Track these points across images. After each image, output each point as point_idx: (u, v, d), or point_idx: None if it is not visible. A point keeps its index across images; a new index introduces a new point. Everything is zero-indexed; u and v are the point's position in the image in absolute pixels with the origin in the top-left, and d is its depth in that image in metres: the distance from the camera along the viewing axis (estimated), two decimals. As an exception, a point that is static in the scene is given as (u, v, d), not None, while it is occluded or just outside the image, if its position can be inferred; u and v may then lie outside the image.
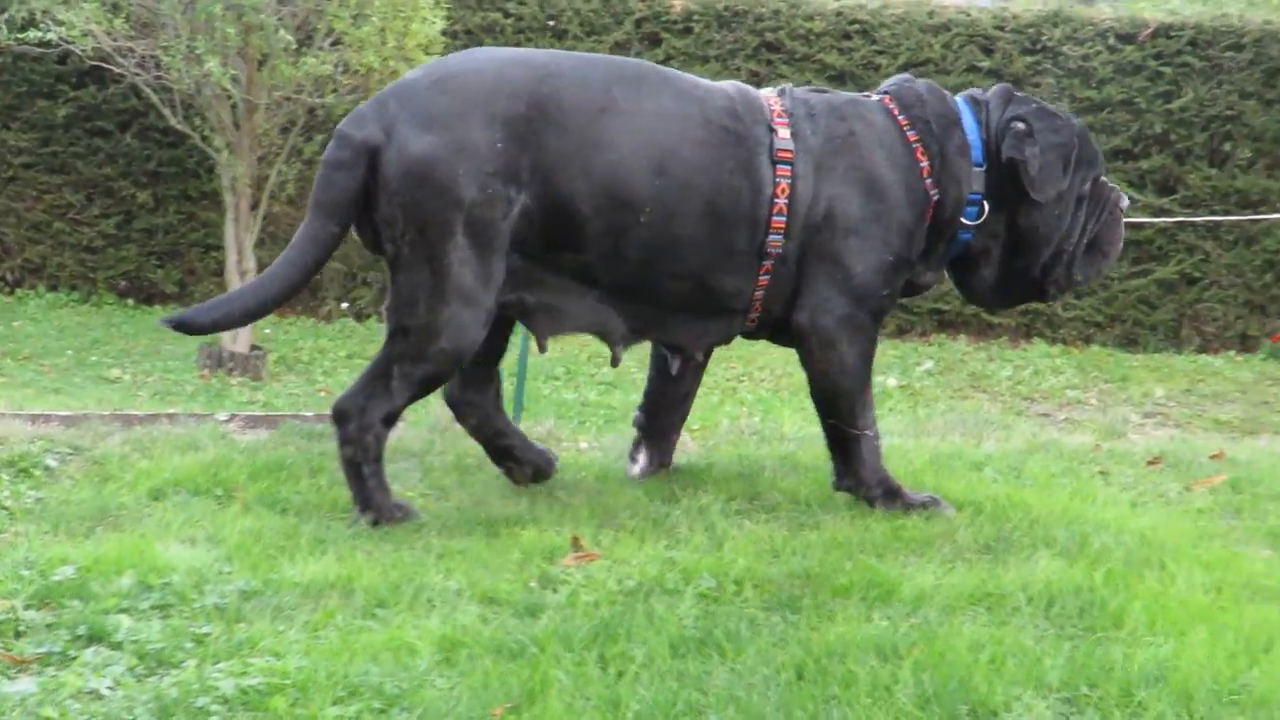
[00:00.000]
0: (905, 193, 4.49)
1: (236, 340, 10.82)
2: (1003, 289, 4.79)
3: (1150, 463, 5.43)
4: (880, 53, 13.27)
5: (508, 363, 10.94)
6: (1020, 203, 4.61)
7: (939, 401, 10.36)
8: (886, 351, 12.31)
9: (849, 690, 3.00)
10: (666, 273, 4.37)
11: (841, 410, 4.57)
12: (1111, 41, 13.22)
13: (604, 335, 4.53)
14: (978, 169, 4.59)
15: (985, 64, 13.21)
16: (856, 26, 13.30)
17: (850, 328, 4.47)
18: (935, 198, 4.53)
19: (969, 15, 13.35)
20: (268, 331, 12.13)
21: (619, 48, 13.21)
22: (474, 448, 4.92)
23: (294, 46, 10.38)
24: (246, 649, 3.18)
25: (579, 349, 11.93)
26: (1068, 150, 4.59)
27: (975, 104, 4.67)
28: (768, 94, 4.50)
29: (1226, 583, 3.83)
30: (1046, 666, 3.17)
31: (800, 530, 4.28)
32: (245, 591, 3.55)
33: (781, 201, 4.36)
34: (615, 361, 4.61)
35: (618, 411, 10.32)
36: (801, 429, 5.96)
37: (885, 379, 10.99)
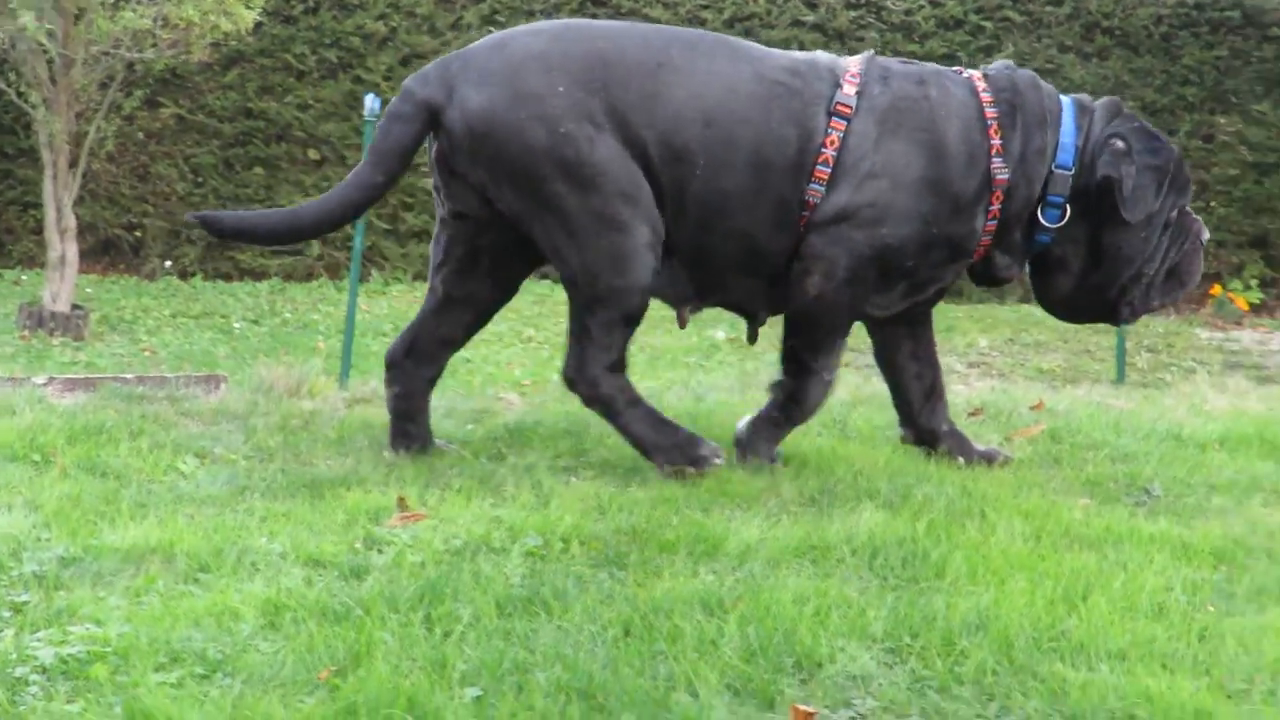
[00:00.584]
0: (969, 167, 4.44)
1: (57, 300, 10.52)
2: (1076, 303, 4.75)
3: (971, 414, 5.56)
4: (705, 7, 13.30)
5: (335, 319, 10.96)
6: (1107, 219, 4.56)
7: (767, 354, 10.47)
8: (716, 304, 12.40)
9: (675, 645, 3.01)
10: (719, 230, 4.42)
11: (809, 340, 4.55)
12: (934, -5, 13.42)
13: (672, 298, 4.60)
14: (1064, 171, 4.54)
15: (810, 18, 13.32)
16: (683, -18, 13.32)
17: (857, 273, 4.44)
18: (1002, 179, 4.47)
19: (793, -30, 13.44)
20: (89, 291, 11.83)
21: (444, 2, 13.11)
22: (298, 409, 4.85)
23: (111, 0, 10.10)
24: (66, 617, 3.09)
25: (408, 305, 11.83)
26: (1163, 174, 4.55)
27: (1081, 110, 4.61)
28: (851, 59, 4.54)
29: (1045, 531, 3.91)
30: (870, 617, 3.20)
31: (627, 487, 4.29)
32: (64, 558, 3.46)
33: (829, 153, 4.37)
34: (682, 324, 4.69)
35: (449, 366, 10.25)
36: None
37: (714, 332, 11.05)
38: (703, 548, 3.68)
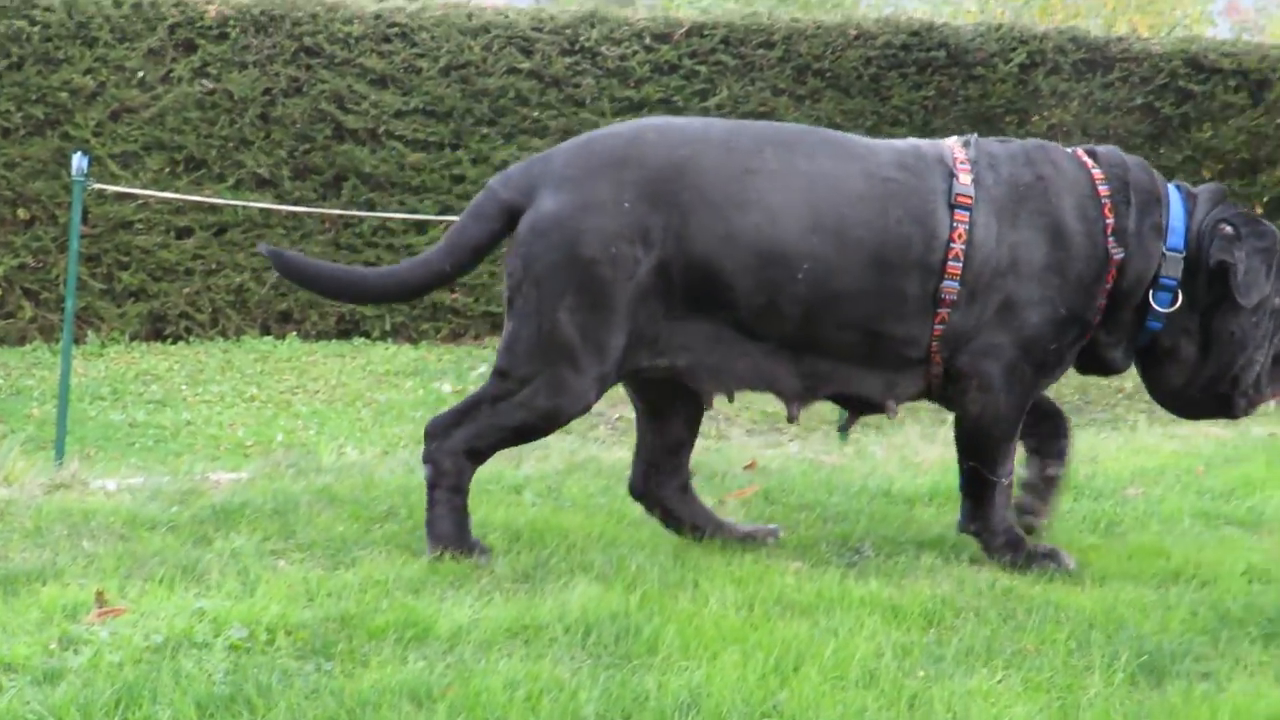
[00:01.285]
0: (1088, 245, 4.40)
1: None
2: (1190, 395, 4.62)
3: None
4: (420, 55, 13.21)
5: (50, 383, 10.49)
6: (1218, 306, 4.49)
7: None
8: (442, 356, 12.28)
9: (382, 743, 2.93)
10: (833, 323, 4.32)
11: (986, 456, 4.49)
12: (648, 41, 13.55)
13: (776, 391, 4.45)
14: (1175, 254, 4.46)
15: (525, 65, 13.33)
16: (396, 29, 13.20)
17: (1012, 376, 4.40)
18: (1118, 257, 4.42)
19: (507, 17, 13.46)
20: None
21: (153, 55, 12.72)
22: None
23: None
24: None
25: (126, 366, 11.44)
26: (1271, 257, 4.49)
27: (1187, 194, 4.58)
28: (952, 143, 4.47)
29: (758, 599, 3.92)
30: (582, 700, 3.16)
31: (336, 569, 4.17)
32: None
33: (958, 247, 4.29)
34: (792, 419, 4.51)
35: (167, 431, 9.95)
36: (340, 459, 5.86)
37: (440, 385, 10.96)
38: (413, 632, 3.59)
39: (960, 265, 4.29)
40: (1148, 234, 4.42)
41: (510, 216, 4.32)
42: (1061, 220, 4.36)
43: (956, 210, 4.29)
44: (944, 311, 4.33)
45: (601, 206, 4.19)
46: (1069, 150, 4.56)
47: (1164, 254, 4.43)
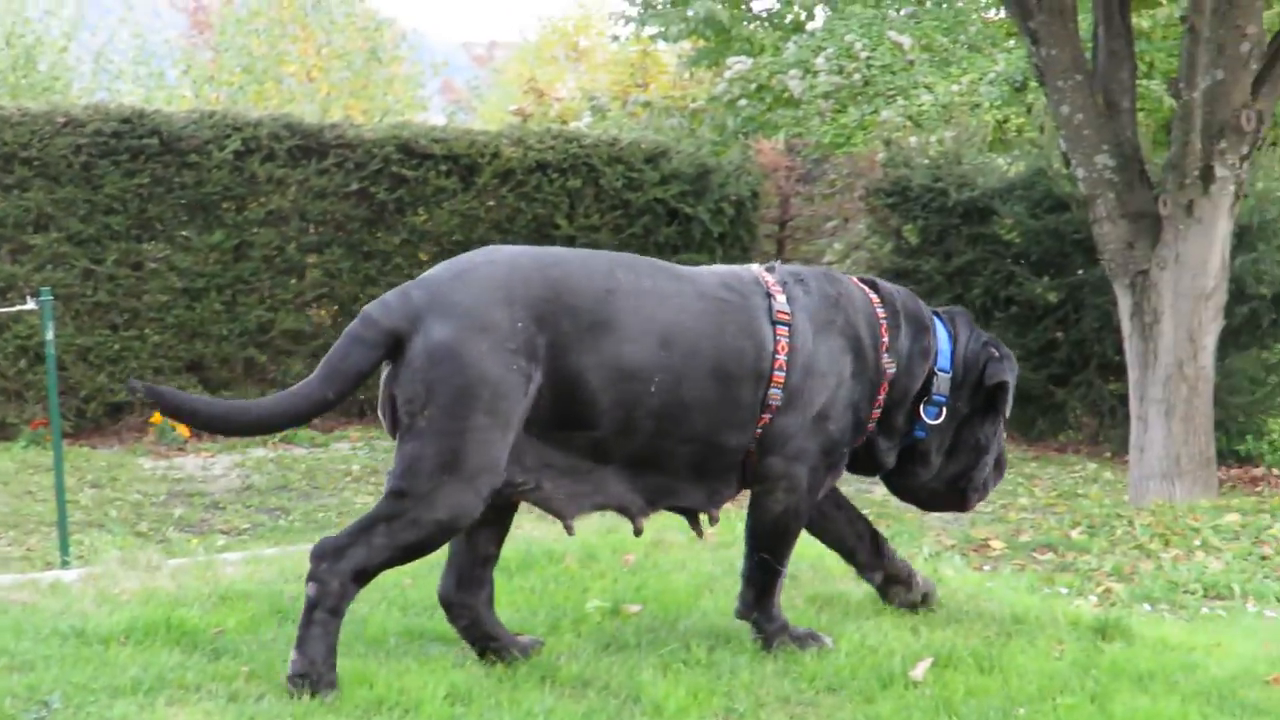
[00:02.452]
0: (875, 360, 4.85)
1: None
2: (933, 489, 5.18)
3: None
4: None
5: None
6: (971, 418, 5.11)
7: None
8: None
9: None
10: (678, 437, 4.55)
11: (780, 549, 4.83)
12: None
13: (624, 510, 4.62)
14: (944, 374, 5.01)
15: None
16: None
17: (814, 477, 4.78)
18: (890, 373, 4.88)
19: None
20: None
21: None
22: None
23: None
24: None
25: None
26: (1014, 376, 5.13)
27: (946, 319, 5.13)
28: (757, 269, 4.86)
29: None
30: None
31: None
32: None
33: (782, 358, 4.63)
34: (638, 532, 4.71)
35: None
36: None
37: None
38: None
39: (784, 374, 4.65)
40: (916, 355, 4.96)
41: (393, 343, 4.33)
42: (860, 335, 4.83)
43: (778, 325, 4.66)
44: (766, 417, 4.65)
45: (498, 327, 4.30)
46: (851, 278, 5.02)
47: (935, 373, 5.00)
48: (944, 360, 5.05)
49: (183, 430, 13.26)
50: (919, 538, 9.15)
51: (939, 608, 5.21)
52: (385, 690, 4.13)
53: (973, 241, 15.03)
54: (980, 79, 18.59)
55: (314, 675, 4.20)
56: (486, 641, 4.60)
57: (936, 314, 5.16)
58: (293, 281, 14.75)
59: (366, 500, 11.41)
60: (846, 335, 4.80)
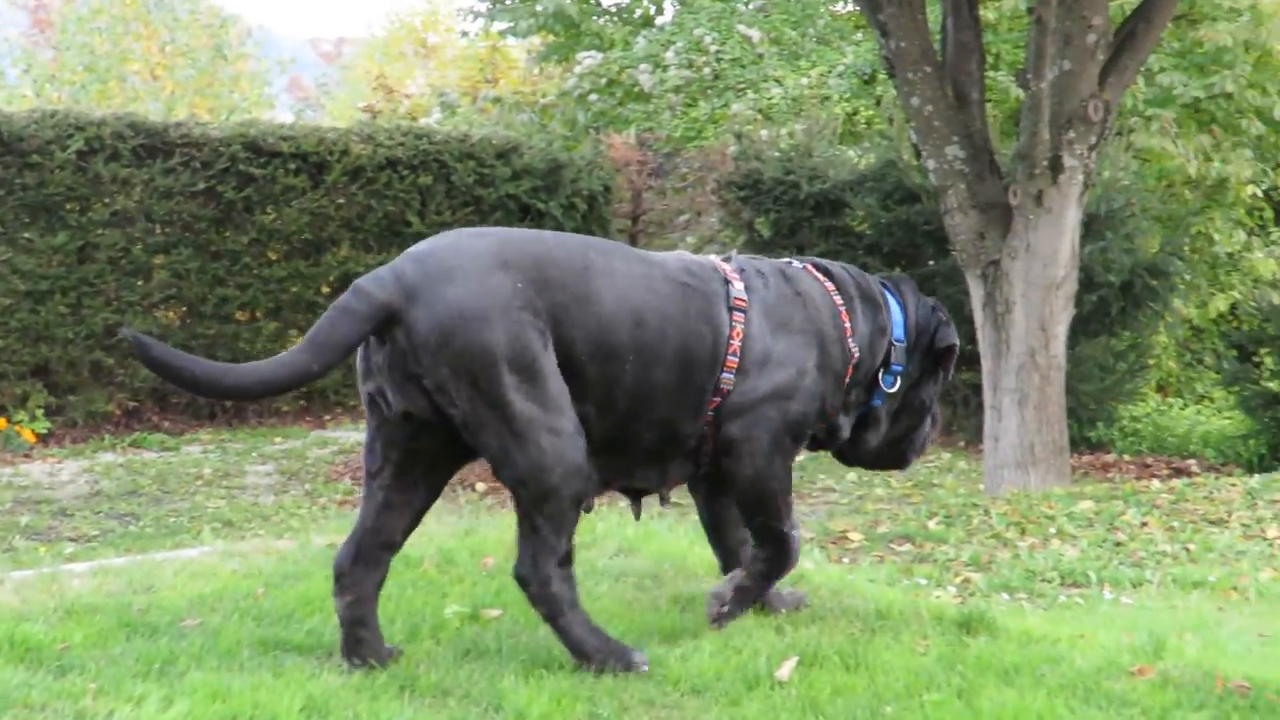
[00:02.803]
0: (840, 351, 4.94)
1: None
2: (879, 451, 5.31)
3: None
4: None
5: None
6: (924, 379, 5.26)
7: None
8: None
9: None
10: (645, 419, 4.60)
11: (770, 507, 4.85)
12: None
13: None
14: (900, 344, 5.14)
15: None
16: None
17: (778, 443, 4.80)
18: (855, 356, 4.99)
19: None
20: None
21: None
22: None
23: None
24: None
25: None
26: None
27: (894, 289, 5.22)
28: (714, 258, 4.91)
29: None
30: None
31: None
32: None
33: (736, 343, 4.70)
34: (589, 509, 4.67)
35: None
36: None
37: None
38: None
39: (736, 359, 4.71)
40: (875, 334, 5.08)
41: (384, 318, 4.25)
42: (823, 330, 4.92)
43: (734, 312, 4.72)
44: (717, 400, 4.71)
45: (500, 288, 4.28)
46: (800, 266, 5.07)
47: (892, 344, 5.12)
48: (898, 331, 5.18)
49: (28, 435, 12.90)
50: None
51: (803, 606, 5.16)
52: (240, 704, 3.96)
53: (825, 234, 15.12)
54: (829, 72, 18.73)
55: (611, 652, 4.39)
56: (358, 628, 4.44)
57: (884, 285, 5.27)
58: (139, 283, 14.50)
59: (219, 505, 11.18)
60: (807, 331, 4.89)
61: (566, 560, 4.42)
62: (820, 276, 5.06)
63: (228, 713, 3.92)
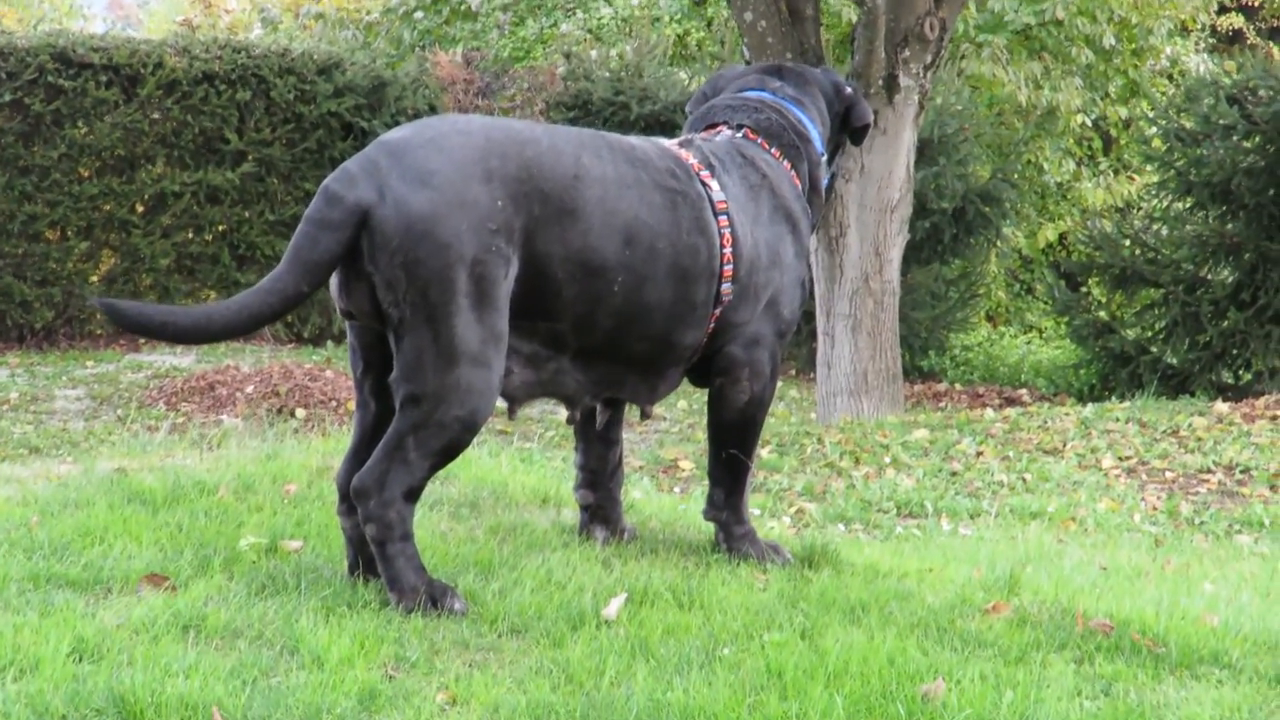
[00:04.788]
0: (805, 222, 4.74)
1: None
2: None
3: None
4: None
5: None
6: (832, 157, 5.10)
7: None
8: None
9: None
10: (636, 335, 4.35)
11: (748, 440, 4.70)
12: None
13: (566, 399, 4.44)
14: (822, 156, 4.91)
15: None
16: None
17: (775, 360, 4.67)
18: (814, 220, 4.87)
19: None
20: None
21: None
22: None
23: None
24: None
25: None
26: None
27: (794, 99, 4.90)
28: (672, 145, 4.57)
29: None
30: None
31: None
32: None
33: (728, 251, 4.43)
34: (571, 420, 4.66)
35: None
36: None
37: None
38: None
39: (732, 268, 4.44)
40: (814, 174, 4.85)
41: (362, 218, 3.92)
42: (791, 210, 4.67)
43: (719, 217, 4.44)
44: (718, 312, 4.46)
45: (477, 204, 3.96)
46: (739, 134, 4.75)
47: (821, 164, 4.90)
48: (819, 145, 4.94)
49: None
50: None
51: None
52: (0, 648, 3.50)
53: (657, 156, 14.85)
54: (661, -8, 18.37)
55: (428, 593, 3.99)
56: (366, 546, 4.14)
57: (788, 98, 4.95)
58: (-59, 199, 13.77)
59: (26, 430, 10.66)
60: (779, 217, 4.66)
61: (415, 495, 4.07)
62: (765, 143, 4.79)
63: (-15, 658, 3.47)
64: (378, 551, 4.04)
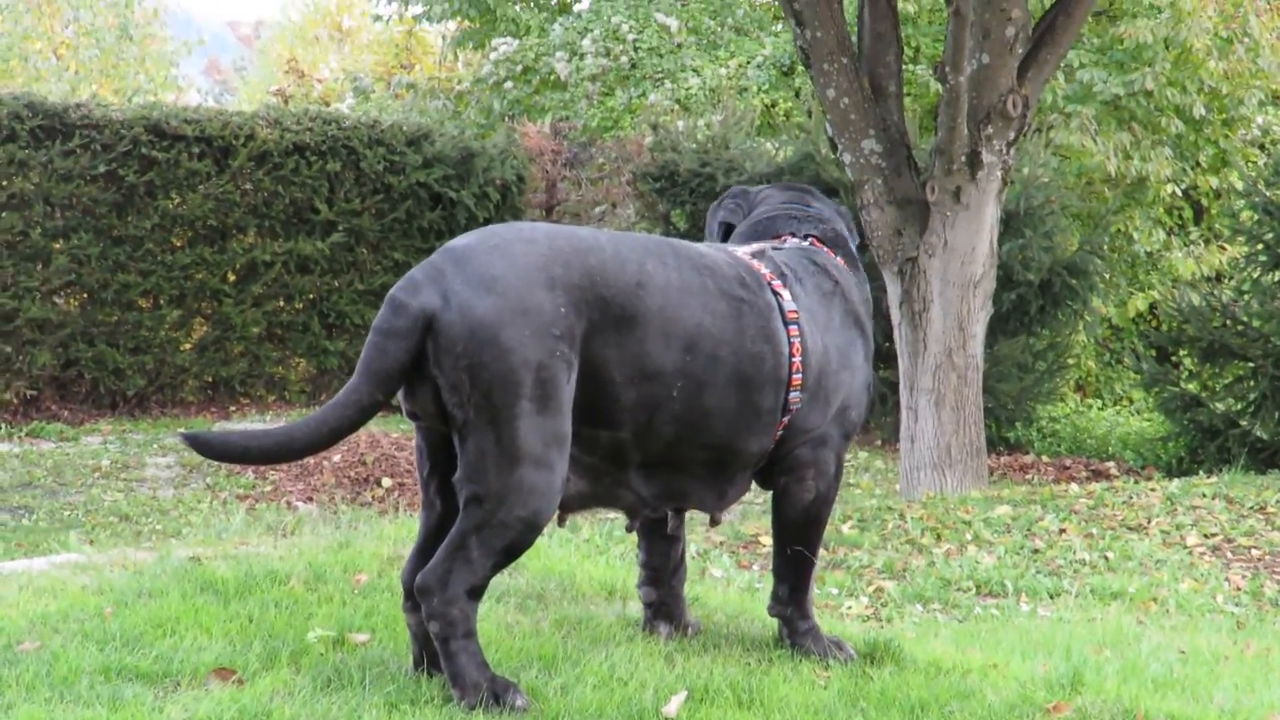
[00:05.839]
0: (871, 326, 4.82)
1: None
2: None
3: None
4: None
5: None
6: None
7: None
8: None
9: None
10: (697, 443, 4.36)
11: (813, 538, 4.70)
12: None
13: (627, 510, 4.47)
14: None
15: None
16: None
17: (840, 461, 4.70)
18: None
19: None
20: None
21: None
22: None
23: None
24: None
25: None
26: None
27: (840, 220, 5.05)
28: (744, 257, 4.58)
29: None
30: None
31: None
32: None
33: (797, 360, 4.46)
34: (631, 528, 4.71)
35: None
36: None
37: None
38: None
39: (801, 376, 4.47)
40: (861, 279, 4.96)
41: (427, 323, 3.99)
42: (860, 317, 4.78)
43: (789, 326, 4.47)
44: (786, 420, 4.49)
45: (540, 310, 4.01)
46: (808, 243, 4.86)
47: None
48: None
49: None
50: (687, 535, 8.81)
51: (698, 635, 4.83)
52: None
53: (742, 228, 14.85)
54: (748, 62, 18.46)
55: (491, 690, 4.02)
56: (430, 643, 4.21)
57: (836, 210, 5.14)
58: (38, 268, 14.17)
59: (116, 498, 10.80)
60: (850, 322, 4.75)
61: (478, 593, 4.10)
62: (831, 252, 4.90)
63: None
64: (441, 648, 4.07)
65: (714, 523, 4.73)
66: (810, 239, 4.89)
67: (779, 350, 4.44)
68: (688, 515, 4.92)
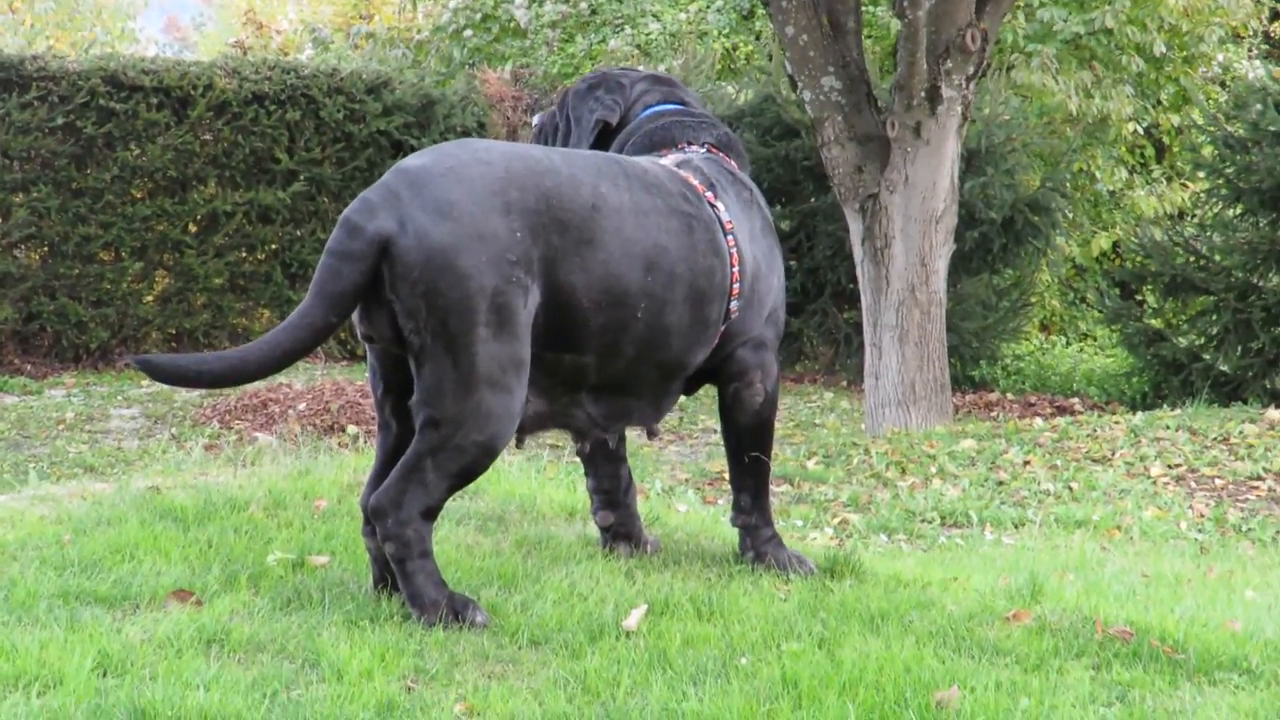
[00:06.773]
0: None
1: None
2: None
3: None
4: None
5: None
6: None
7: None
8: None
9: None
10: (654, 361, 4.39)
11: (766, 441, 4.75)
12: None
13: (579, 430, 4.48)
14: None
15: None
16: None
17: (776, 359, 4.74)
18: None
19: None
20: None
21: None
22: None
23: None
24: None
25: None
26: None
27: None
28: (672, 165, 4.60)
29: None
30: None
31: None
32: None
33: (736, 270, 4.50)
34: (581, 452, 4.72)
35: None
36: None
37: None
38: None
39: (739, 285, 4.51)
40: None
41: (383, 248, 3.96)
42: (769, 221, 4.83)
43: (728, 236, 4.52)
44: (724, 327, 4.53)
45: (496, 236, 4.00)
46: (708, 153, 4.79)
47: None
48: None
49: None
50: (653, 472, 8.84)
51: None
52: (25, 663, 3.54)
53: (704, 170, 14.85)
54: (708, 6, 18.41)
55: (450, 607, 4.03)
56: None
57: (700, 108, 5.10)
58: (-1, 222, 13.97)
59: (81, 449, 10.76)
60: (768, 230, 4.79)
61: (433, 514, 4.10)
62: (727, 157, 4.88)
63: (11, 672, 3.50)
64: (397, 569, 4.08)
65: (651, 435, 4.72)
66: (707, 146, 4.87)
67: (725, 262, 4.48)
68: (630, 436, 4.94)
